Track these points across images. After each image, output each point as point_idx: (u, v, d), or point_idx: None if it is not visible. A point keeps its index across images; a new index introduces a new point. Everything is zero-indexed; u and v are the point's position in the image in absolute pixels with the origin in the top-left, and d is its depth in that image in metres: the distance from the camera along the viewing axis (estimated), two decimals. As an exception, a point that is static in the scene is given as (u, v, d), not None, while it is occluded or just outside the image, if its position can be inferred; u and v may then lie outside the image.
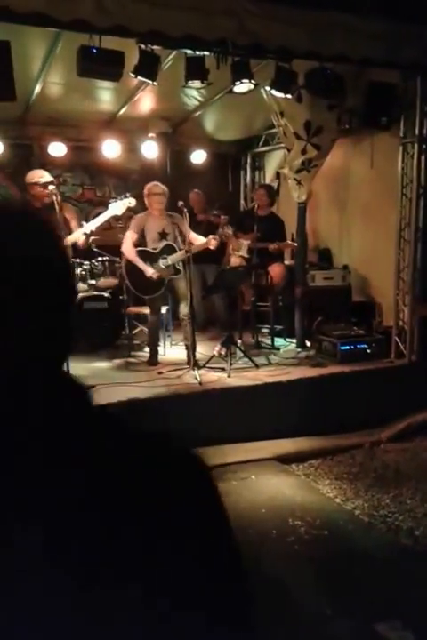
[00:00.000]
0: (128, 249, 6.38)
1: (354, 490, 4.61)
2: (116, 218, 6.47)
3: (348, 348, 6.43)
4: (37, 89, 6.71)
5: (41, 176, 5.81)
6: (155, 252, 6.33)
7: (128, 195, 6.26)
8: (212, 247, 6.25)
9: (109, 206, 6.04)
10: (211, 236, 6.19)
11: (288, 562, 3.61)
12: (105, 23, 4.55)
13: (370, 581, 3.36)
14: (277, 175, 9.09)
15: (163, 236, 6.33)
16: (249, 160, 9.84)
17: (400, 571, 3.50)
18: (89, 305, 7.11)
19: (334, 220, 8.14)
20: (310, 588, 3.33)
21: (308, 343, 7.02)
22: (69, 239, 5.80)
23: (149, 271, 6.24)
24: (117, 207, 5.98)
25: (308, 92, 6.08)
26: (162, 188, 6.32)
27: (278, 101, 6.47)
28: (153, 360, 6.52)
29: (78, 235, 5.85)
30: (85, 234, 5.89)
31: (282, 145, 7.71)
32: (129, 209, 6.27)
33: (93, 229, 5.94)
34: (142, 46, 4.95)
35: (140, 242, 6.44)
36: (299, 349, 6.94)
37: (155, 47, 5.01)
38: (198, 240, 6.26)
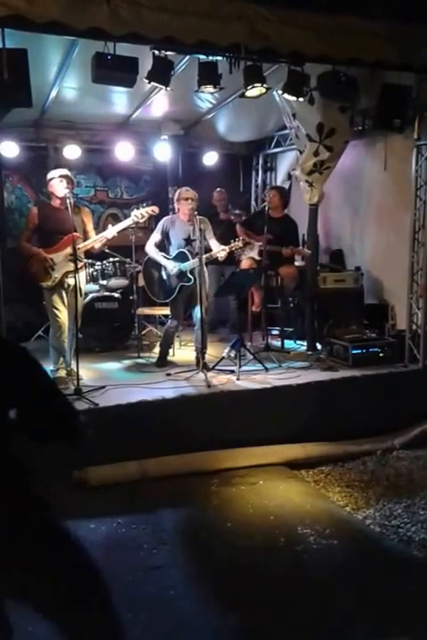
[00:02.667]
0: (150, 248, 6.43)
1: (365, 498, 4.59)
2: (137, 225, 6.44)
3: (360, 351, 6.39)
4: (53, 93, 6.74)
5: (60, 173, 5.81)
6: (169, 258, 6.34)
7: (150, 202, 6.24)
8: (220, 258, 6.25)
9: (132, 213, 6.03)
10: (221, 248, 6.18)
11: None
12: (120, 31, 4.57)
13: (380, 594, 3.34)
14: (289, 177, 9.06)
15: (188, 242, 6.32)
16: (261, 161, 9.80)
17: (412, 584, 3.47)
18: (100, 305, 7.17)
19: (346, 221, 8.09)
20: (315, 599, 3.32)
21: (319, 346, 7.00)
22: (87, 244, 5.81)
23: (170, 265, 6.26)
24: (139, 215, 5.96)
25: (320, 94, 6.06)
26: (192, 193, 6.32)
27: (291, 103, 6.47)
28: (162, 361, 6.53)
29: (96, 240, 5.85)
30: (106, 238, 5.89)
31: (294, 146, 7.68)
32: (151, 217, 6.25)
33: (114, 235, 5.93)
34: (156, 52, 4.96)
35: (165, 245, 6.46)
36: (310, 352, 6.92)
37: (168, 53, 5.02)
38: (213, 248, 6.26)
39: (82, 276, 5.98)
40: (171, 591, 3.34)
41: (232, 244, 6.20)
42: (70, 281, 5.74)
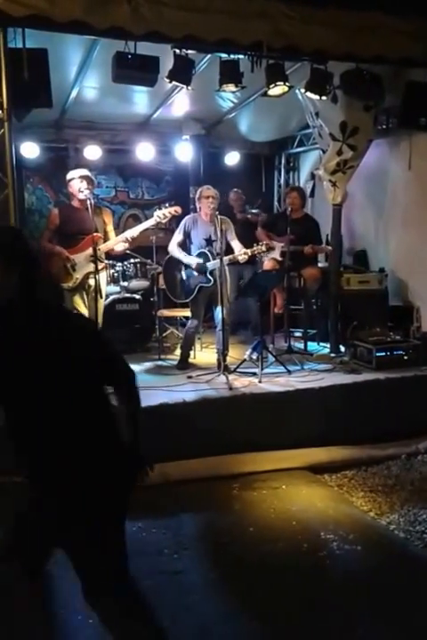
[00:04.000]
0: (172, 247, 6.44)
1: (389, 503, 4.53)
2: (158, 226, 6.45)
3: (384, 354, 6.32)
4: (73, 94, 6.78)
5: (80, 173, 5.84)
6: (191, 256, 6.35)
7: (173, 203, 6.24)
8: (240, 261, 6.24)
9: (154, 214, 6.04)
10: (243, 251, 6.15)
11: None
12: (141, 30, 4.60)
13: (405, 601, 3.30)
14: (312, 176, 9.02)
15: (209, 242, 6.31)
16: (283, 161, 9.79)
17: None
18: (121, 307, 7.17)
19: (370, 222, 8.02)
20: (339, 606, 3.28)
21: (342, 348, 6.94)
22: (108, 245, 5.82)
23: (194, 262, 6.26)
24: (162, 215, 5.96)
25: (343, 92, 6.02)
26: (213, 191, 6.30)
27: (314, 102, 6.42)
28: (183, 364, 6.53)
29: (117, 241, 5.87)
30: (127, 240, 5.90)
31: (317, 146, 7.64)
32: (173, 217, 6.25)
33: (135, 236, 5.94)
34: (177, 51, 4.97)
35: (187, 245, 6.47)
36: (333, 355, 6.86)
37: (189, 52, 5.02)
38: (235, 249, 6.24)
39: (103, 277, 6.00)
40: (192, 596, 3.33)
41: (255, 248, 6.16)
42: (91, 282, 5.76)
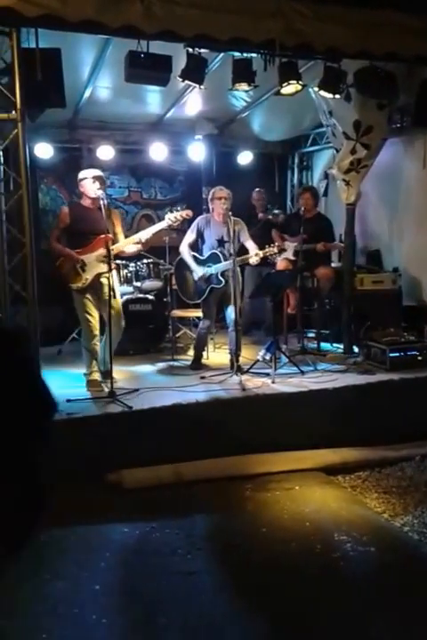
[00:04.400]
0: (183, 248, 6.46)
1: (403, 505, 4.50)
2: (171, 228, 6.44)
3: (397, 354, 6.28)
4: (87, 94, 6.80)
5: (92, 173, 5.83)
6: (202, 259, 6.34)
7: (185, 205, 6.22)
8: (252, 263, 6.23)
9: (165, 216, 6.02)
10: (255, 253, 6.14)
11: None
12: (154, 28, 4.61)
13: (418, 603, 3.27)
14: (326, 175, 8.99)
15: (221, 243, 6.30)
16: (297, 160, 9.77)
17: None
18: (134, 307, 7.18)
19: (384, 221, 7.99)
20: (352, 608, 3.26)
21: (356, 349, 6.91)
22: (117, 247, 5.80)
23: (199, 272, 6.26)
24: (173, 218, 5.94)
25: (357, 91, 5.99)
26: (226, 191, 6.29)
27: (327, 101, 6.40)
28: (196, 364, 6.53)
29: (128, 243, 5.85)
30: (138, 241, 5.88)
31: (330, 145, 7.62)
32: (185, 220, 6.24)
33: (144, 240, 5.91)
34: (190, 50, 4.97)
35: (199, 245, 6.47)
36: (346, 355, 6.83)
37: (202, 50, 5.02)
38: (250, 250, 6.23)
39: (114, 277, 5.97)
40: (205, 597, 3.32)
41: (267, 250, 6.14)
42: (103, 282, 5.73)
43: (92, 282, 5.72)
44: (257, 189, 8.34)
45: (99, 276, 5.73)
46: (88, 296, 5.75)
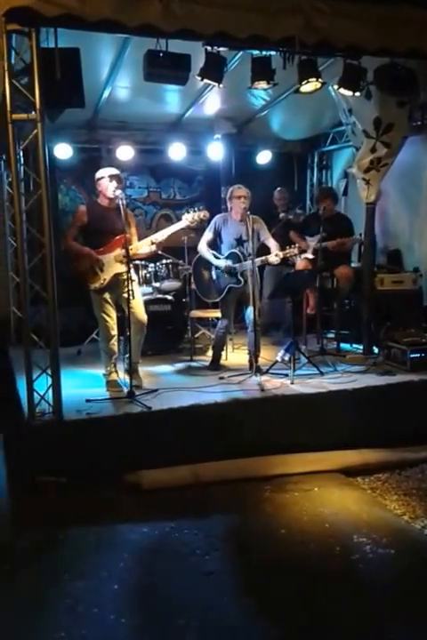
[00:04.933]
0: (202, 246, 6.45)
1: (424, 507, 4.44)
2: (189, 228, 6.42)
3: (418, 355, 6.21)
4: (106, 94, 6.83)
5: (109, 172, 5.83)
6: (221, 258, 6.33)
7: (202, 207, 6.20)
8: (273, 263, 6.20)
9: (183, 217, 6.00)
10: (275, 253, 6.10)
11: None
12: (172, 27, 4.58)
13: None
14: (345, 174, 8.94)
15: (239, 242, 6.28)
16: (316, 159, 9.72)
17: None
18: (153, 308, 7.18)
19: (404, 220, 7.93)
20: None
21: (376, 350, 6.86)
22: (138, 246, 5.80)
23: (222, 263, 6.25)
24: (190, 219, 5.93)
25: (377, 88, 5.94)
26: (244, 190, 6.27)
27: (347, 99, 6.36)
28: (215, 365, 6.52)
29: (143, 245, 5.84)
30: (153, 242, 5.87)
31: (350, 143, 7.59)
32: (201, 221, 6.23)
33: (161, 240, 5.90)
34: (208, 48, 4.95)
35: (217, 244, 6.45)
36: (366, 356, 6.78)
37: (221, 49, 5.00)
38: (271, 248, 6.20)
39: (133, 276, 5.96)
40: (223, 598, 3.31)
41: (287, 251, 6.11)
42: (121, 281, 5.72)
43: (110, 282, 5.72)
44: (279, 188, 8.32)
45: (117, 276, 5.72)
46: (106, 296, 5.75)
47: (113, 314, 5.81)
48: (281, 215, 8.01)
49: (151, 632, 3.06)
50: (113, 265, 5.72)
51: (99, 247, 5.72)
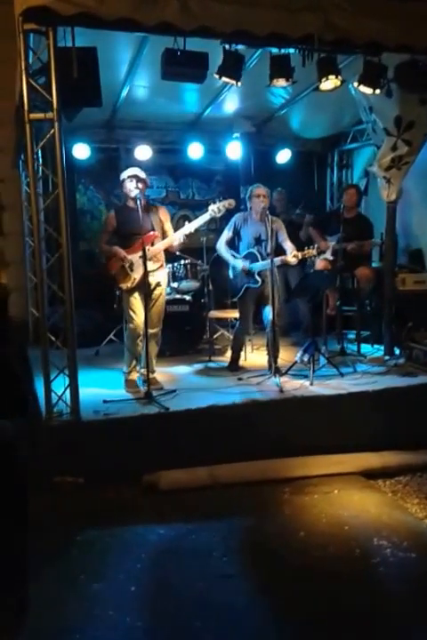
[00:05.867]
0: (220, 245, 6.45)
1: (446, 511, 4.42)
2: (211, 225, 6.42)
3: (440, 356, 6.17)
4: (124, 93, 6.86)
5: (129, 173, 5.85)
6: (239, 257, 6.32)
7: (227, 197, 6.17)
8: (292, 263, 6.17)
9: (208, 208, 5.99)
10: (293, 254, 6.07)
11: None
12: (190, 25, 4.60)
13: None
14: (366, 173, 8.88)
15: (258, 242, 6.27)
16: (336, 158, 9.67)
17: None
18: (171, 308, 7.19)
19: (426, 219, 7.85)
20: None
21: (397, 351, 6.80)
22: (165, 243, 5.81)
23: (240, 265, 6.24)
24: (216, 209, 5.91)
25: (398, 86, 5.89)
26: (264, 189, 6.26)
27: (367, 96, 6.30)
28: (233, 366, 6.51)
29: (177, 237, 5.85)
30: (185, 235, 5.88)
31: (371, 142, 7.54)
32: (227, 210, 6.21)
33: (189, 232, 5.90)
34: (227, 46, 4.96)
35: (235, 243, 6.44)
36: (387, 357, 6.74)
37: (239, 47, 5.00)
38: (287, 251, 6.17)
39: (162, 275, 5.96)
40: (240, 600, 3.30)
41: (306, 251, 6.07)
42: (151, 281, 5.74)
43: (140, 281, 5.74)
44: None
45: (147, 274, 5.72)
46: (136, 295, 5.79)
47: (141, 314, 5.81)
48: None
49: (167, 634, 3.05)
50: (142, 264, 5.74)
51: (129, 247, 5.77)
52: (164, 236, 5.87)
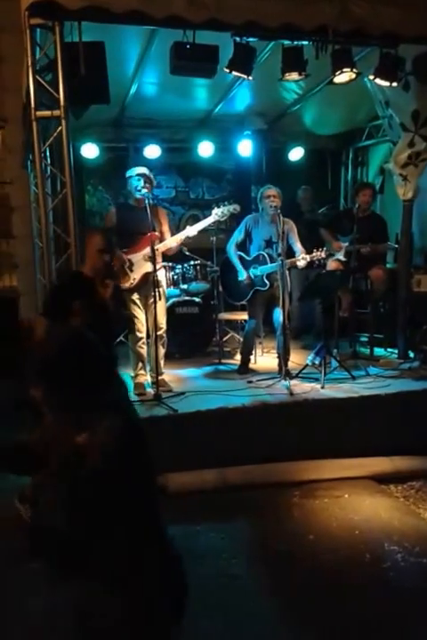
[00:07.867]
0: (230, 247, 6.50)
1: (458, 516, 4.43)
2: (218, 225, 6.46)
3: (456, 360, 6.17)
4: (132, 90, 6.89)
5: (136, 171, 5.89)
6: (248, 260, 6.37)
7: (232, 201, 6.22)
8: (300, 266, 6.19)
9: (212, 212, 6.03)
10: (302, 256, 6.10)
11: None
12: (199, 17, 4.61)
13: None
14: (381, 172, 8.87)
15: (269, 244, 6.30)
16: (351, 155, 9.64)
17: None
18: (180, 310, 7.24)
19: (443, 219, 7.85)
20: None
21: (411, 354, 6.80)
22: (165, 245, 5.86)
23: (243, 276, 6.29)
24: (220, 213, 5.96)
25: (416, 79, 5.88)
26: (275, 190, 6.27)
27: (383, 90, 6.28)
28: (243, 368, 6.54)
29: (175, 240, 5.89)
30: (188, 237, 5.92)
31: (387, 138, 7.52)
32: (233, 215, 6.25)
33: (191, 236, 5.94)
34: (237, 39, 4.96)
35: (246, 245, 6.48)
36: (401, 360, 6.74)
37: (250, 39, 5.00)
38: (296, 253, 6.21)
39: (161, 276, 6.01)
40: (250, 602, 3.34)
41: (314, 254, 6.07)
42: (151, 281, 5.78)
43: (140, 281, 5.78)
44: (304, 187, 8.25)
45: (146, 275, 5.77)
46: (135, 296, 5.83)
47: (141, 315, 5.87)
48: (305, 215, 7.95)
49: (176, 635, 3.08)
50: (142, 264, 5.79)
51: (129, 247, 5.81)
52: (161, 238, 5.90)
